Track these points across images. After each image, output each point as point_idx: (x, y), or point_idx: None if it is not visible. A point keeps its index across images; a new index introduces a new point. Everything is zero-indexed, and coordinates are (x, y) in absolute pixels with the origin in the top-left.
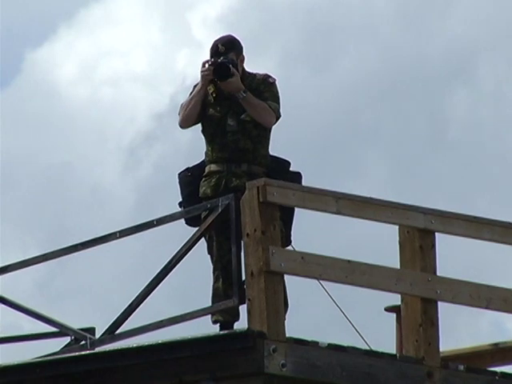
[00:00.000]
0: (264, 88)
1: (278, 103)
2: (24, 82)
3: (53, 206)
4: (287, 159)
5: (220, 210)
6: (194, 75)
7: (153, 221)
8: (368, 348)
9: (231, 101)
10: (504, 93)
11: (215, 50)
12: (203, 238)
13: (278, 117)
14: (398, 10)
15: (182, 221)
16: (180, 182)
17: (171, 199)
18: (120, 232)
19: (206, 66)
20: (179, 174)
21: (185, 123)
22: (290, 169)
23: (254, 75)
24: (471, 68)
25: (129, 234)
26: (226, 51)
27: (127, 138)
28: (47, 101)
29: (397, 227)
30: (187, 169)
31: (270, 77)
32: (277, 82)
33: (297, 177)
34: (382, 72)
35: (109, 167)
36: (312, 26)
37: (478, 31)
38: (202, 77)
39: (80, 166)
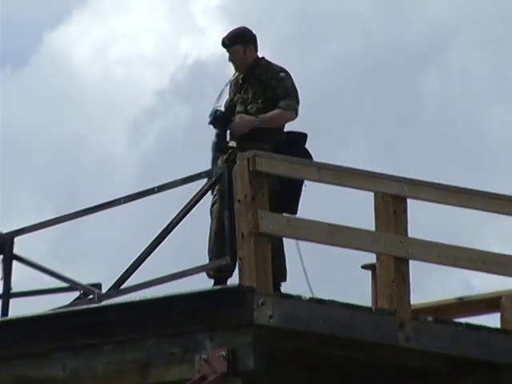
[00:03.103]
0: (276, 83)
1: (292, 97)
2: (41, 62)
3: (66, 174)
4: (303, 132)
5: (214, 179)
6: (196, 58)
7: (154, 188)
8: (347, 302)
9: (242, 90)
10: (472, 73)
11: (222, 44)
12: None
13: (295, 112)
14: None
15: (181, 188)
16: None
17: (171, 168)
18: (124, 198)
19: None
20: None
21: None
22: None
23: (269, 65)
24: (442, 50)
25: (132, 200)
26: (231, 44)
27: (133, 113)
28: (62, 79)
29: (372, 194)
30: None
31: (281, 71)
32: (290, 75)
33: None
34: (363, 54)
35: (116, 139)
36: (302, 12)
37: (448, 17)
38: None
39: (91, 138)
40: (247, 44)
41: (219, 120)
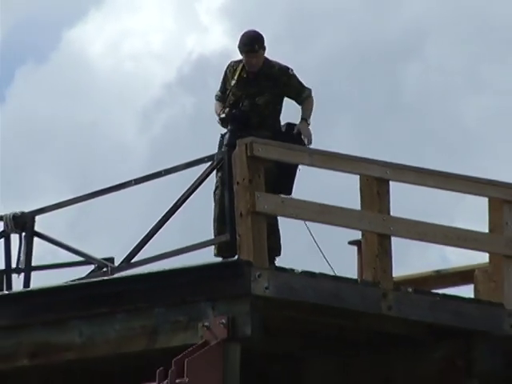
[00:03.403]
0: (287, 79)
1: (304, 85)
2: (60, 57)
3: (82, 158)
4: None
5: (215, 163)
6: (200, 53)
7: (161, 171)
8: (335, 274)
9: (249, 85)
10: (447, 66)
11: (250, 49)
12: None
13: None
14: None
15: (186, 171)
16: (219, 142)
17: (177, 153)
18: (135, 180)
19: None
20: (220, 137)
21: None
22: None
23: (273, 64)
24: (421, 46)
25: (142, 182)
26: (259, 49)
27: (142, 103)
28: (79, 72)
29: (358, 177)
30: (221, 134)
31: (289, 68)
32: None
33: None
34: (350, 50)
35: (127, 127)
36: (295, 12)
37: (426, 16)
38: (222, 121)
39: (104, 126)
40: (265, 48)
41: (236, 118)
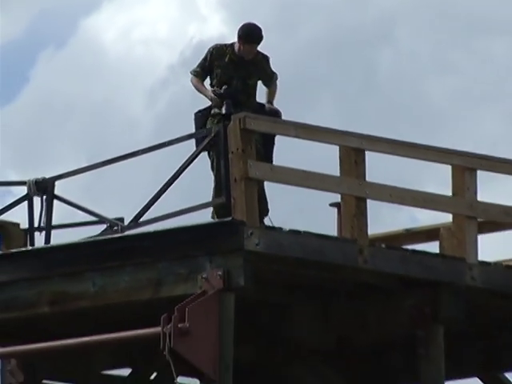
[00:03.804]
0: (266, 66)
1: (274, 71)
2: (77, 42)
3: (97, 130)
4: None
5: (213, 135)
6: (199, 39)
7: (165, 142)
8: (317, 233)
9: (239, 67)
10: (417, 49)
11: (258, 40)
12: (205, 154)
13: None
14: None
15: (187, 142)
16: (195, 118)
17: (180, 126)
18: (142, 150)
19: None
20: (195, 113)
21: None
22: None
23: (257, 51)
24: (393, 31)
25: (149, 152)
26: (260, 41)
27: (150, 82)
28: (94, 56)
29: (337, 147)
30: (199, 111)
31: (268, 56)
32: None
33: (277, 114)
34: (330, 35)
35: (136, 103)
36: (281, 3)
37: (397, 4)
38: (213, 99)
39: (116, 102)
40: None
41: (232, 94)
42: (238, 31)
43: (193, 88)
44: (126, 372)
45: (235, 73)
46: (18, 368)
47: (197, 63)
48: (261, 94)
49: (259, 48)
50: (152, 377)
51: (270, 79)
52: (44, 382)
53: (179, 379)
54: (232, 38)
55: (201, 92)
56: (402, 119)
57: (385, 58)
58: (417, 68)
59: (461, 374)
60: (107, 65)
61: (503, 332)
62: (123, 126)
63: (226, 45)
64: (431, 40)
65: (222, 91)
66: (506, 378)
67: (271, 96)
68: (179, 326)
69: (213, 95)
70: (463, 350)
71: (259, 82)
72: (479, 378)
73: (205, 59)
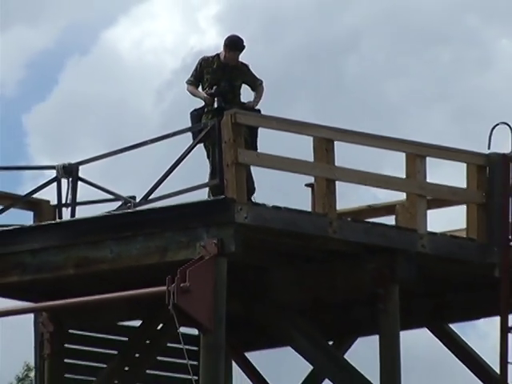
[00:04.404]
0: (247, 69)
1: (257, 77)
2: (98, 51)
3: (113, 123)
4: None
5: (208, 128)
6: (199, 48)
7: (170, 133)
8: (295, 208)
9: (226, 72)
10: (377, 56)
11: (242, 47)
12: (202, 146)
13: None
14: (318, 5)
15: (187, 134)
16: (191, 116)
17: (182, 120)
18: (151, 140)
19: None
20: (190, 112)
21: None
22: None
23: (238, 61)
24: (358, 41)
25: (156, 141)
26: (243, 48)
27: (157, 83)
28: (112, 62)
29: (311, 138)
30: (195, 109)
31: (247, 64)
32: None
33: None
34: (306, 45)
35: (146, 100)
36: (266, 19)
37: (362, 19)
38: (206, 99)
39: (129, 101)
40: None
41: (221, 93)
42: (225, 41)
43: (189, 94)
44: (137, 323)
45: (222, 76)
46: (49, 320)
47: (190, 74)
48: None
49: (240, 57)
50: (158, 327)
51: (254, 83)
52: (70, 331)
53: (180, 329)
54: None
55: (195, 95)
56: (365, 115)
57: (351, 65)
58: (377, 72)
59: (413, 324)
60: (122, 69)
61: (447, 290)
62: (135, 120)
63: (211, 56)
64: (389, 49)
65: (212, 91)
66: (449, 327)
67: (256, 99)
68: (181, 285)
69: (206, 95)
70: (415, 305)
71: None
72: (428, 328)
73: (196, 70)
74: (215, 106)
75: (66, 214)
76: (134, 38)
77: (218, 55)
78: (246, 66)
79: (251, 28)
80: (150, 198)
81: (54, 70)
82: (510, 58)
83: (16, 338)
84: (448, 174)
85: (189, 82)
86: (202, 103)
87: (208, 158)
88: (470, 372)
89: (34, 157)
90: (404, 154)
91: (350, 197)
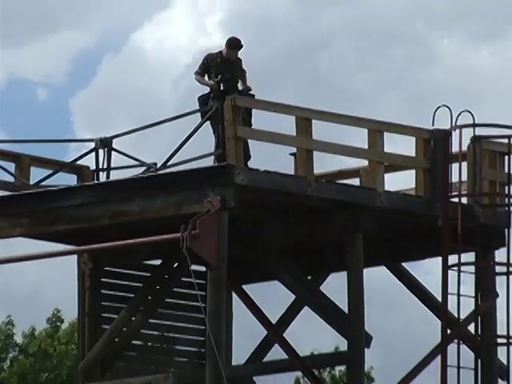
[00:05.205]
0: (240, 65)
1: (244, 68)
2: (128, 49)
3: (139, 107)
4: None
5: (214, 109)
6: (207, 47)
7: (184, 113)
8: (282, 172)
9: (228, 65)
10: (346, 54)
11: (240, 46)
12: (209, 124)
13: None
14: (299, 12)
15: (197, 115)
16: (198, 100)
17: (193, 104)
18: (169, 119)
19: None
20: (198, 97)
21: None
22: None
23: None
24: (331, 41)
25: (173, 120)
26: (241, 47)
27: (173, 75)
28: (139, 58)
29: (294, 117)
30: (202, 95)
31: (240, 59)
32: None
33: (249, 89)
34: (290, 45)
35: (165, 89)
36: (259, 24)
37: (333, 22)
38: (212, 85)
39: (152, 89)
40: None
41: (226, 80)
42: (226, 41)
43: (197, 82)
44: (158, 262)
45: (225, 68)
46: (88, 260)
47: (198, 66)
48: None
49: (247, 50)
50: (175, 265)
51: (243, 73)
52: (105, 268)
53: (192, 267)
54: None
55: (203, 83)
56: (337, 100)
57: (325, 60)
58: (346, 67)
59: (373, 264)
60: (146, 64)
61: (400, 237)
62: (157, 102)
63: (215, 52)
64: (356, 48)
65: (218, 79)
66: (402, 266)
67: (245, 82)
68: (192, 232)
69: (213, 82)
70: (375, 249)
71: None
72: (385, 267)
73: (203, 63)
74: (222, 88)
75: (102, 176)
76: (156, 39)
77: (220, 52)
78: (240, 60)
79: (247, 31)
80: (169, 164)
81: (93, 64)
82: (451, 56)
83: (64, 273)
84: (401, 145)
85: (197, 73)
86: (208, 90)
87: (213, 133)
88: (418, 301)
89: (77, 132)
90: (367, 130)
91: (324, 163)
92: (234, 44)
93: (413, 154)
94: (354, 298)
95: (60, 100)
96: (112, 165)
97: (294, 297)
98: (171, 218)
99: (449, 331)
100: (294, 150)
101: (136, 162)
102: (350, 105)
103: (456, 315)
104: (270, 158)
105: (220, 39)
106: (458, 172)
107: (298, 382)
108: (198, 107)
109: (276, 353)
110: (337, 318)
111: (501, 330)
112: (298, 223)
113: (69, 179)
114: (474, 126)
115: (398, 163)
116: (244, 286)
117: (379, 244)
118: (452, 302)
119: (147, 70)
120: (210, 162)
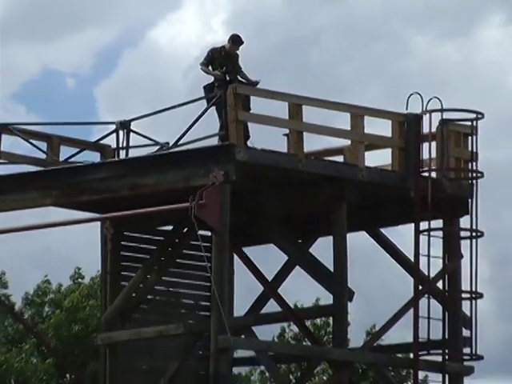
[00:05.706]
0: (238, 59)
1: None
2: (145, 44)
3: (155, 93)
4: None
5: (218, 96)
6: (213, 43)
7: (193, 100)
8: (276, 150)
9: (230, 58)
10: (333, 49)
11: (241, 42)
12: (214, 109)
13: None
14: (291, 11)
15: (203, 101)
16: (204, 88)
17: (200, 92)
18: (180, 104)
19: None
20: (204, 86)
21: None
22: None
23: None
24: (319, 38)
25: (183, 105)
26: (242, 43)
27: (184, 66)
28: (154, 52)
29: (287, 103)
30: (207, 84)
31: (238, 54)
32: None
33: (257, 83)
34: (282, 40)
35: (177, 78)
36: (258, 23)
37: (322, 21)
38: (216, 75)
39: (166, 79)
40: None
41: (229, 71)
42: (230, 37)
43: (202, 72)
44: (169, 228)
45: (228, 61)
46: (111, 226)
47: (203, 58)
48: None
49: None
50: (184, 231)
51: (240, 67)
52: (125, 233)
53: (199, 232)
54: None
55: (208, 73)
56: (324, 89)
57: (315, 54)
58: (333, 59)
59: (356, 229)
60: (161, 57)
61: (379, 205)
62: (170, 90)
63: (218, 47)
64: (341, 43)
65: (223, 70)
66: (380, 231)
67: (245, 76)
68: (199, 202)
69: (218, 73)
70: (357, 216)
71: None
72: (366, 232)
73: (208, 56)
74: (227, 79)
75: (122, 154)
76: (168, 36)
77: (223, 47)
78: (238, 55)
79: (247, 28)
80: (179, 143)
81: (115, 57)
82: (424, 50)
83: (88, 238)
84: (379, 127)
85: (203, 64)
86: (212, 79)
87: (218, 117)
88: (394, 261)
89: (100, 116)
90: (349, 114)
91: (313, 143)
92: (236, 40)
93: (389, 134)
94: (338, 259)
95: (86, 88)
96: (130, 144)
97: (286, 258)
98: (181, 189)
99: (420, 287)
100: (287, 131)
101: (151, 142)
102: (336, 93)
103: (426, 273)
104: (267, 138)
105: (224, 36)
106: (428, 150)
107: (283, 331)
108: (204, 94)
109: (271, 306)
110: (324, 275)
111: (465, 286)
112: (291, 194)
113: (93, 156)
114: (441, 110)
115: (376, 143)
116: (244, 249)
117: (360, 212)
118: (423, 262)
119: (161, 63)
120: (214, 141)
